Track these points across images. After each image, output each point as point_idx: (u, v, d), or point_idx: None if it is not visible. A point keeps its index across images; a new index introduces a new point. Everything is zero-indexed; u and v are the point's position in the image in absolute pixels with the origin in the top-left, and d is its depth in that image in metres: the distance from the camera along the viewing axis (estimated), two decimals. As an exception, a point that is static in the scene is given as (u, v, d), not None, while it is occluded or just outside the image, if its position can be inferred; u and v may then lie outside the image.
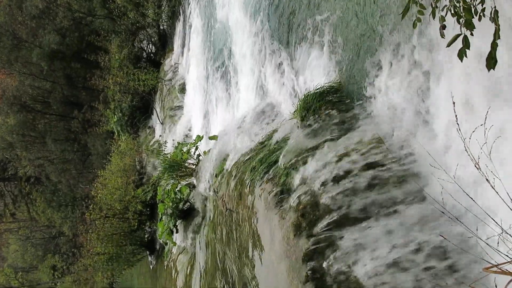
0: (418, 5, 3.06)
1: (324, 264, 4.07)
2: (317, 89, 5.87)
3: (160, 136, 17.27)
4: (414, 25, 3.22)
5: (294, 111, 6.14)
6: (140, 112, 20.29)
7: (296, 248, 4.47)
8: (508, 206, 2.55)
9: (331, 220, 4.23)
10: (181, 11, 17.39)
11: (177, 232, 10.29)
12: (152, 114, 20.18)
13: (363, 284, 3.67)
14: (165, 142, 14.98)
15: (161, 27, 20.59)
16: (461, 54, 2.57)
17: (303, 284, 4.22)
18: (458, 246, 3.29)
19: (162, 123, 17.76)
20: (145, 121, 20.00)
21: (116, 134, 20.35)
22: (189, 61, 15.30)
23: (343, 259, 3.93)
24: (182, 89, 15.84)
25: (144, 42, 21.43)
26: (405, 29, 4.40)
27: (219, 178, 7.65)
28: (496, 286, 2.50)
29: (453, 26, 2.93)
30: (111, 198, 14.23)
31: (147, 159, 16.85)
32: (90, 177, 22.35)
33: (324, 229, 4.25)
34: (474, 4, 2.69)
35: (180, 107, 15.54)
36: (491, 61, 2.51)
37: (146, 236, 15.30)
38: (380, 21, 4.87)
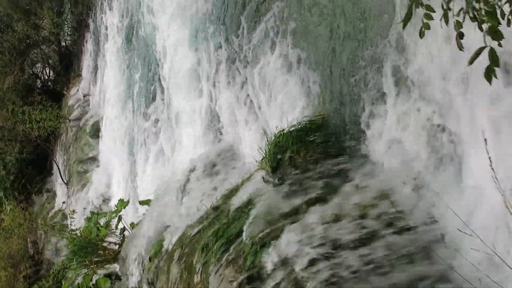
0: (423, 6, 3.20)
1: None
2: (293, 125, 5.96)
3: (64, 203, 16.88)
4: (421, 34, 3.36)
5: (262, 159, 6.18)
6: (34, 168, 19.85)
7: None
8: None
9: (324, 319, 4.19)
10: (91, 20, 17.54)
11: None
12: (52, 171, 19.77)
13: None
14: (73, 211, 14.64)
15: (63, 43, 20.60)
16: (489, 74, 2.67)
17: None
18: None
19: (66, 184, 17.40)
20: (41, 181, 19.53)
21: (-3, 203, 19.75)
22: (105, 90, 15.25)
23: None
24: (96, 132, 15.70)
25: (39, 65, 21.30)
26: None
27: (155, 262, 7.50)
28: None
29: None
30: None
31: (46, 238, 16.34)
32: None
33: (315, 334, 4.20)
34: (499, 4, 2.84)
35: (94, 159, 15.36)
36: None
37: None
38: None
